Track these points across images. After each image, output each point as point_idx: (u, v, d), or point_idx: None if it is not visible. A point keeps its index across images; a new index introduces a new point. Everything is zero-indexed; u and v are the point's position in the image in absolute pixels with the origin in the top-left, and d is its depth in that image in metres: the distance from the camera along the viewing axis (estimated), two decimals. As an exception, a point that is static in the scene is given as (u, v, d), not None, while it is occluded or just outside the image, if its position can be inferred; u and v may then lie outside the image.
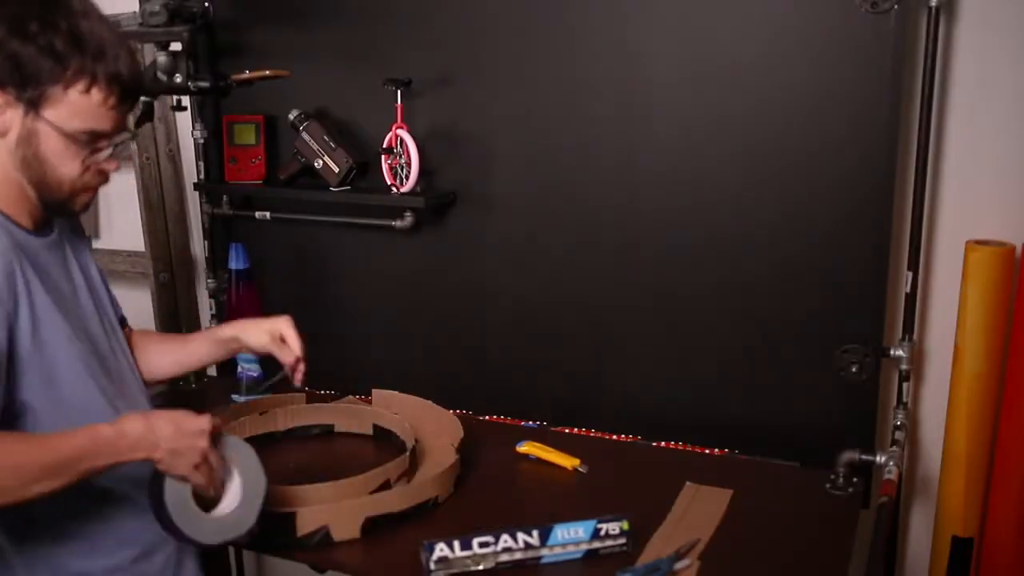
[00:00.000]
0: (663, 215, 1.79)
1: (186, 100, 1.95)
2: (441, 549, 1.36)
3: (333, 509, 1.46)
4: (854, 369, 1.70)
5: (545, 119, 1.84)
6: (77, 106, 1.17)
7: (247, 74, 1.87)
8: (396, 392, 1.89)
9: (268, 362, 2.07)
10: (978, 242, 1.67)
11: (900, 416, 1.75)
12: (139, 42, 1.94)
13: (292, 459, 1.74)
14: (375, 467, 1.54)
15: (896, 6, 1.54)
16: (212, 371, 2.34)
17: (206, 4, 1.86)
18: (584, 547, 1.41)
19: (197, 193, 2.21)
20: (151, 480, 1.23)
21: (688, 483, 1.65)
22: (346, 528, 1.46)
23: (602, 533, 1.41)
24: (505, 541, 1.38)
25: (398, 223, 1.95)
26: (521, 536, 1.39)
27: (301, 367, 1.51)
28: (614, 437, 1.89)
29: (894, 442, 1.70)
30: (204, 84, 1.82)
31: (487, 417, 1.99)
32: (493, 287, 1.97)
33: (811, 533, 1.50)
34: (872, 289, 1.67)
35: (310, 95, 2.03)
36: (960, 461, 1.72)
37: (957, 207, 1.72)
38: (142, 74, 1.31)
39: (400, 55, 1.93)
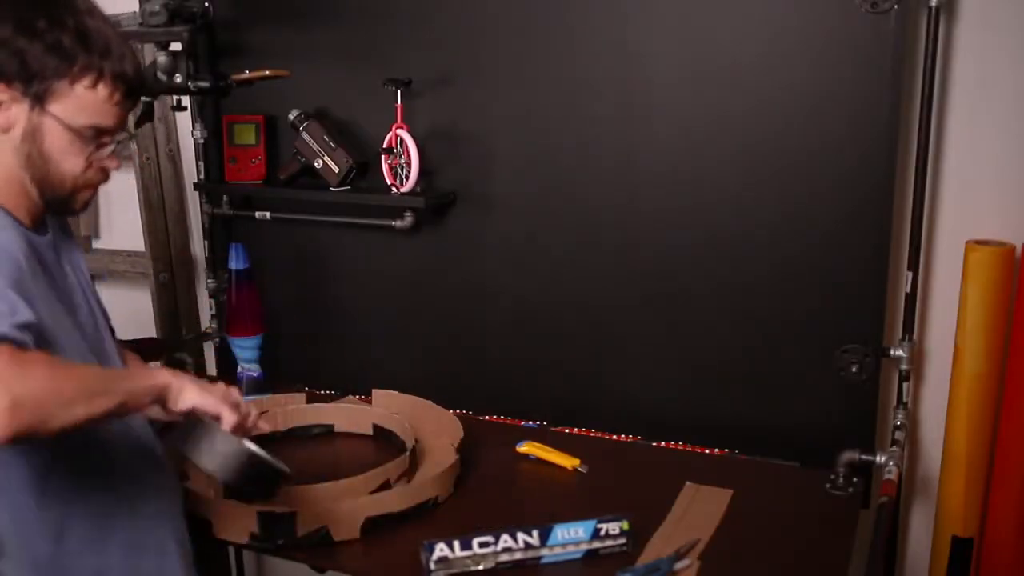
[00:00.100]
0: (663, 215, 1.79)
1: (186, 100, 1.95)
2: (441, 549, 1.36)
3: (333, 509, 1.46)
4: (854, 369, 1.70)
5: (545, 119, 1.84)
6: (83, 101, 1.18)
7: (247, 74, 1.87)
8: (396, 392, 1.89)
9: (268, 362, 2.08)
10: (978, 242, 1.67)
11: (900, 416, 1.75)
12: (139, 42, 1.94)
13: (292, 459, 1.73)
14: (375, 467, 1.54)
15: (896, 6, 1.54)
16: (212, 371, 2.34)
17: (206, 4, 1.87)
18: (584, 547, 1.41)
19: (197, 193, 2.21)
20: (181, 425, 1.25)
21: (688, 483, 1.65)
22: (346, 528, 1.46)
23: (602, 533, 1.41)
24: (505, 541, 1.38)
25: (398, 223, 1.95)
26: (521, 536, 1.39)
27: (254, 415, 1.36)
28: (614, 437, 1.89)
29: (894, 442, 1.70)
30: (204, 84, 1.82)
31: (487, 417, 1.99)
32: (493, 287, 1.97)
33: (811, 533, 1.50)
34: (872, 289, 1.67)
35: (310, 95, 2.03)
36: (960, 461, 1.72)
37: (957, 207, 1.72)
38: (144, 72, 1.31)
39: (400, 55, 1.93)
